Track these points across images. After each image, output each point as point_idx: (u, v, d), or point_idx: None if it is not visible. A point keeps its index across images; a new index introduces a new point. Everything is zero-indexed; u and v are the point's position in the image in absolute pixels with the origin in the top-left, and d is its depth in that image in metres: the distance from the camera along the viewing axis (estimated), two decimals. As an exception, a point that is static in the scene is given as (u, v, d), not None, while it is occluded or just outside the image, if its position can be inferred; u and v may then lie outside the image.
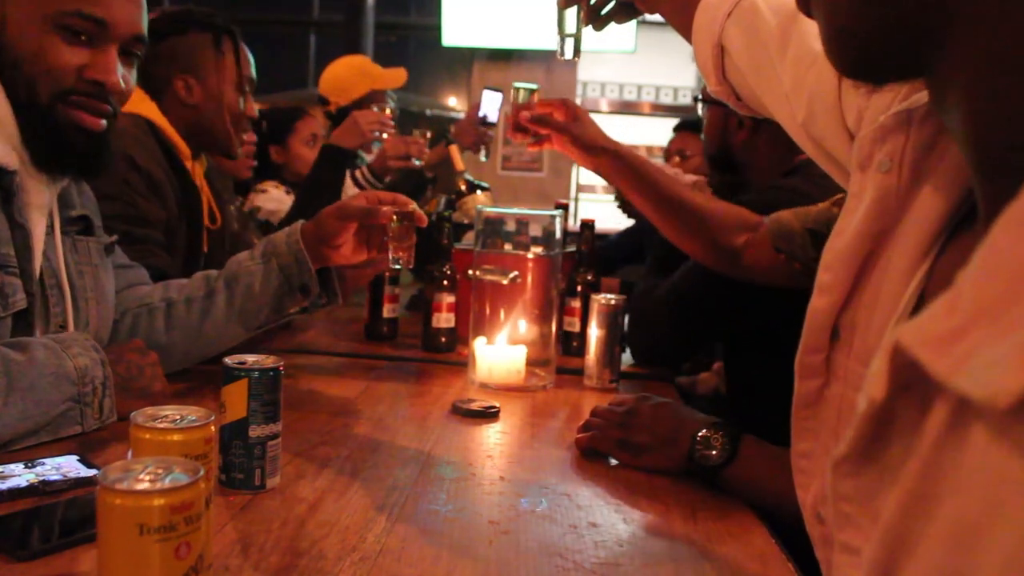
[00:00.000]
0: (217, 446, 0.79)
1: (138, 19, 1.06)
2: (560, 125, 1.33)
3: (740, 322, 1.46)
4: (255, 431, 0.82)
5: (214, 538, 0.69)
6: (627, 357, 1.55)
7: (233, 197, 2.19)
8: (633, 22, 1.15)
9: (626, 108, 5.38)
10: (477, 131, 2.23)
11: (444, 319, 1.55)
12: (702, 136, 1.77)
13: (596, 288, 1.59)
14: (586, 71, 5.14)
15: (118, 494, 0.53)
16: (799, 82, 0.78)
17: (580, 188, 5.24)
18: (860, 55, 0.42)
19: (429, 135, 2.19)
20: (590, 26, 1.11)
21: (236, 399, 0.81)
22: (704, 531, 0.82)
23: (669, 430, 0.97)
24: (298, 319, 1.45)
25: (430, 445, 1.03)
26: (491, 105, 2.22)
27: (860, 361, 0.53)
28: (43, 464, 0.84)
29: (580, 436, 1.03)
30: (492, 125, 2.23)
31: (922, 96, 0.50)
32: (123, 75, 1.05)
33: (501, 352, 1.33)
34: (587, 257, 1.62)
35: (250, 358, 0.83)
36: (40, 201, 1.03)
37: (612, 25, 1.11)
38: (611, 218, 2.89)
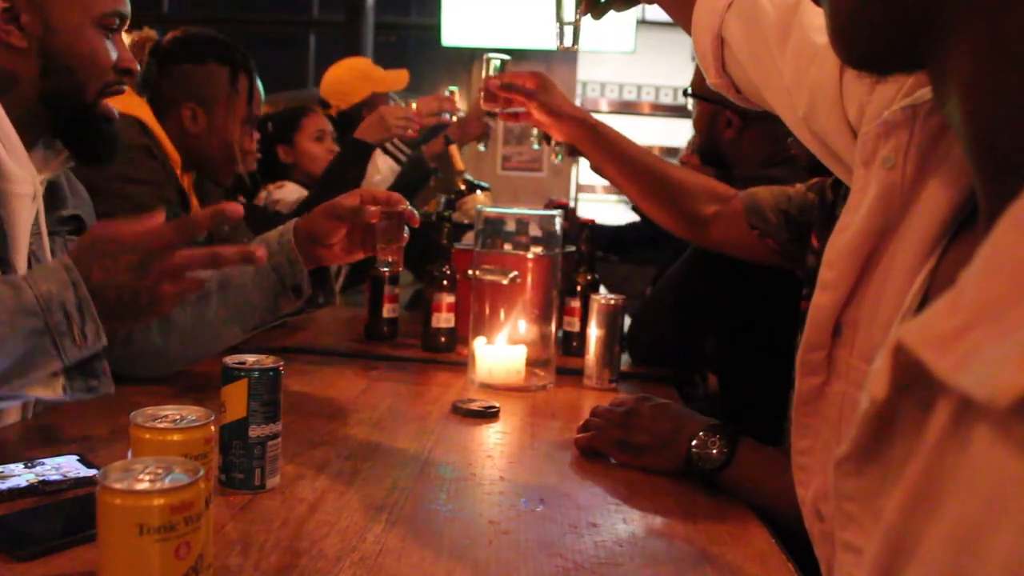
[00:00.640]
0: (217, 446, 0.79)
1: None
2: (528, 91, 1.34)
3: (733, 313, 1.47)
4: (255, 431, 0.82)
5: (214, 538, 0.69)
6: (627, 357, 1.56)
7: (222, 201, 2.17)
8: (633, 22, 1.15)
9: (626, 108, 5.37)
10: (483, 122, 2.23)
11: (444, 319, 1.55)
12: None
13: (596, 288, 1.59)
14: (586, 71, 5.13)
15: (118, 494, 0.53)
16: (800, 75, 0.78)
17: (580, 188, 5.24)
18: (866, 45, 0.42)
19: (457, 90, 2.23)
20: (589, 14, 1.11)
21: (236, 399, 0.81)
22: (704, 531, 0.82)
23: (668, 431, 0.97)
24: (298, 319, 1.45)
25: (430, 445, 1.03)
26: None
27: (862, 358, 0.53)
28: (43, 464, 0.84)
29: (580, 436, 1.03)
30: (493, 116, 2.24)
31: (926, 91, 0.50)
32: None
33: (501, 352, 1.33)
34: (587, 257, 1.62)
35: (250, 358, 0.83)
36: (25, 191, 1.01)
37: (611, 18, 1.11)
38: (611, 218, 2.90)
